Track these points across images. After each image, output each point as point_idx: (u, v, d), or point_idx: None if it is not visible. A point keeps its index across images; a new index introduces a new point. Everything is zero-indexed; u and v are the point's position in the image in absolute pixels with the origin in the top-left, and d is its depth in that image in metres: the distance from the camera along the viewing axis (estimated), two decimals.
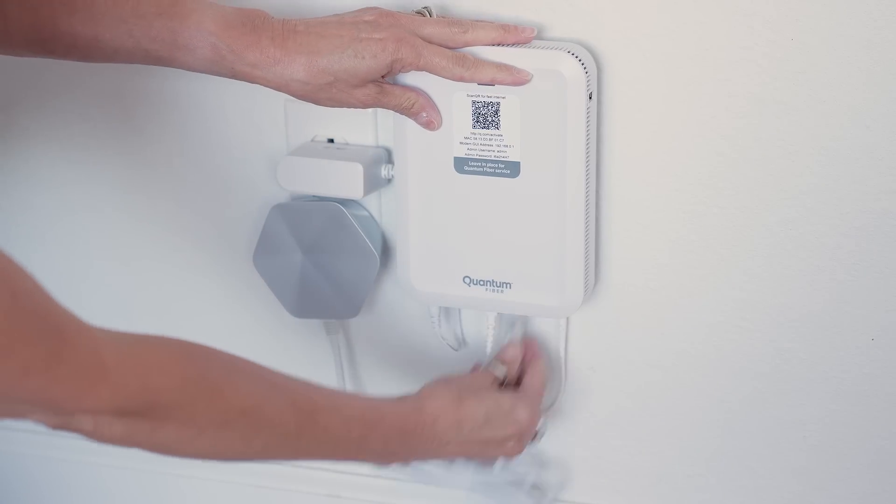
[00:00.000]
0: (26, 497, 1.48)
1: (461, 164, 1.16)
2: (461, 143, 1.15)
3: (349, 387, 1.33)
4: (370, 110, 1.22)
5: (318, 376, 1.31)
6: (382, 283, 1.27)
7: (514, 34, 1.12)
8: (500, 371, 1.20)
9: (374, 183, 1.22)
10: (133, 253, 1.36)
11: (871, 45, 1.07)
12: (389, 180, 1.22)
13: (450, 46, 1.11)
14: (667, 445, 1.25)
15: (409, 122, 1.15)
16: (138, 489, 1.44)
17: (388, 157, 1.22)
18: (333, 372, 1.32)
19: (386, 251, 1.26)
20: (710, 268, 1.18)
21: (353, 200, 1.23)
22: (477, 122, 1.14)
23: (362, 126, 1.23)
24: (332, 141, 1.24)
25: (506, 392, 1.18)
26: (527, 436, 1.17)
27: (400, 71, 1.10)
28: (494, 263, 1.18)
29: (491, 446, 1.15)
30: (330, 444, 1.03)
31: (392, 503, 1.35)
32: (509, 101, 1.12)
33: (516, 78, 1.10)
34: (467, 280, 1.19)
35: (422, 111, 1.13)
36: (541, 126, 1.12)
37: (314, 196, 1.24)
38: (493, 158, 1.15)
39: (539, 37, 1.14)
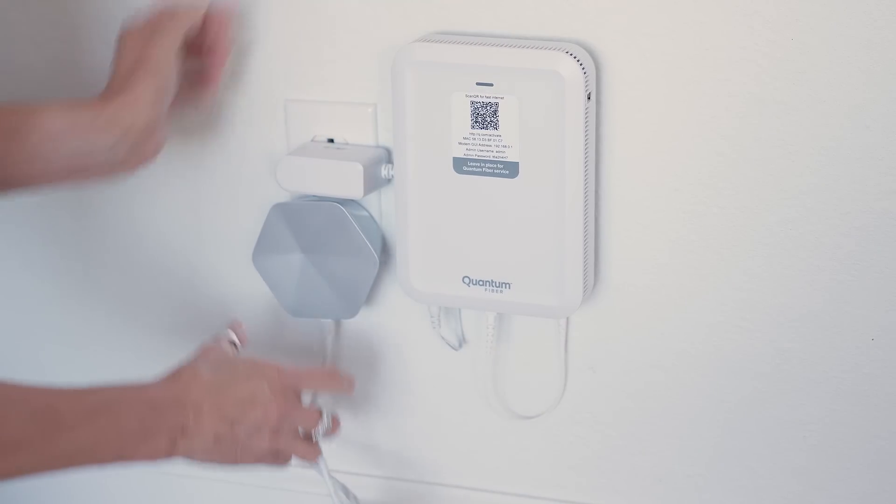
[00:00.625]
0: (23, 497, 1.48)
1: (460, 165, 1.16)
2: (460, 143, 1.15)
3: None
4: (370, 109, 1.22)
5: None
6: (382, 283, 1.27)
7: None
8: (231, 336, 1.22)
9: (374, 183, 1.22)
10: (133, 251, 1.36)
11: (871, 45, 1.07)
12: (389, 180, 1.22)
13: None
14: (667, 445, 1.25)
15: (409, 122, 1.15)
16: (138, 489, 1.44)
17: (388, 157, 1.22)
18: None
19: (386, 251, 1.26)
20: (710, 268, 1.18)
21: (352, 200, 1.23)
22: (476, 122, 1.14)
23: (362, 126, 1.23)
24: (332, 141, 1.24)
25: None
26: (279, 391, 1.15)
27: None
28: (494, 263, 1.18)
29: (246, 403, 1.13)
30: (83, 441, 1.01)
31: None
32: (508, 101, 1.12)
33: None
34: (467, 280, 1.19)
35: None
36: (539, 126, 1.12)
37: (314, 196, 1.24)
38: (491, 159, 1.15)
39: (538, 36, 1.14)
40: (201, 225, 1.32)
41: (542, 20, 1.14)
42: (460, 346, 1.27)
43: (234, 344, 1.22)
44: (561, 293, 1.17)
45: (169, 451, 1.08)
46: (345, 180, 1.20)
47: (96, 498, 1.46)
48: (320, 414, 1.20)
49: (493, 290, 1.19)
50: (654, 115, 1.15)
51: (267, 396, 1.14)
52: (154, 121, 1.14)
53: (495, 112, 1.13)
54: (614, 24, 1.13)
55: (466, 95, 1.13)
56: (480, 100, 1.13)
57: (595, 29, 1.13)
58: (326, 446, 1.23)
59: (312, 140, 1.25)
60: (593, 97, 1.13)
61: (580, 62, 1.10)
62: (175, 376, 1.12)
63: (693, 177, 1.15)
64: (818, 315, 1.16)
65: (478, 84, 1.13)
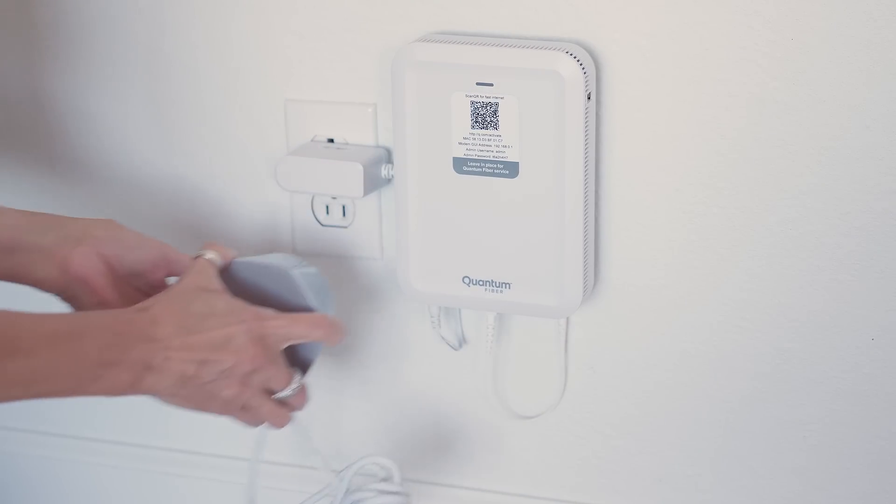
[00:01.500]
0: (23, 497, 1.48)
1: (460, 165, 1.16)
2: (460, 143, 1.15)
3: (350, 390, 1.33)
4: (370, 109, 1.22)
5: (317, 378, 1.31)
6: (382, 283, 1.27)
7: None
8: (211, 255, 1.11)
9: (374, 183, 1.22)
10: None
11: (871, 45, 1.07)
12: (389, 180, 1.22)
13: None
14: (667, 445, 1.25)
15: (409, 122, 1.15)
16: (135, 489, 1.44)
17: (388, 157, 1.22)
18: (333, 373, 1.32)
19: (376, 268, 1.25)
20: (710, 268, 1.18)
21: (299, 257, 1.18)
22: (476, 122, 1.14)
23: (362, 126, 1.23)
24: (332, 141, 1.24)
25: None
26: (256, 339, 1.06)
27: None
28: (494, 263, 1.18)
29: (219, 348, 1.04)
30: (40, 368, 0.95)
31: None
32: (508, 101, 1.12)
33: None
34: (467, 280, 1.19)
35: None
36: (539, 126, 1.12)
37: (264, 258, 1.16)
38: (491, 159, 1.15)
39: (538, 36, 1.15)
40: (201, 225, 1.32)
41: (542, 20, 1.14)
42: (460, 346, 1.28)
43: (213, 262, 1.11)
44: (561, 293, 1.17)
45: (131, 387, 1.01)
46: (345, 180, 1.20)
47: (94, 498, 1.46)
48: (291, 377, 1.12)
49: (493, 290, 1.19)
50: (654, 115, 1.15)
51: (242, 343, 1.05)
52: (90, 236, 1.11)
53: (495, 112, 1.13)
54: (614, 24, 1.13)
55: (466, 95, 1.13)
56: (480, 100, 1.13)
57: (595, 29, 1.14)
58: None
59: (312, 140, 1.25)
60: (593, 97, 1.13)
61: (580, 62, 1.10)
62: (147, 307, 1.03)
63: (693, 177, 1.16)
64: (818, 315, 1.17)
65: (478, 84, 1.13)
